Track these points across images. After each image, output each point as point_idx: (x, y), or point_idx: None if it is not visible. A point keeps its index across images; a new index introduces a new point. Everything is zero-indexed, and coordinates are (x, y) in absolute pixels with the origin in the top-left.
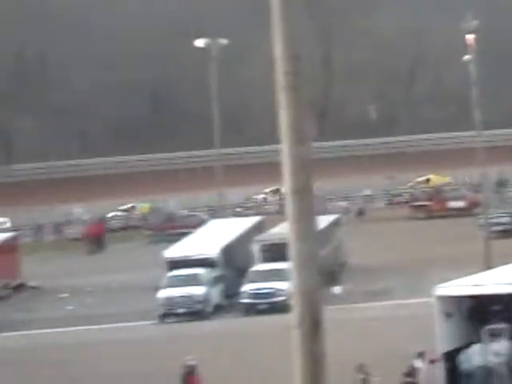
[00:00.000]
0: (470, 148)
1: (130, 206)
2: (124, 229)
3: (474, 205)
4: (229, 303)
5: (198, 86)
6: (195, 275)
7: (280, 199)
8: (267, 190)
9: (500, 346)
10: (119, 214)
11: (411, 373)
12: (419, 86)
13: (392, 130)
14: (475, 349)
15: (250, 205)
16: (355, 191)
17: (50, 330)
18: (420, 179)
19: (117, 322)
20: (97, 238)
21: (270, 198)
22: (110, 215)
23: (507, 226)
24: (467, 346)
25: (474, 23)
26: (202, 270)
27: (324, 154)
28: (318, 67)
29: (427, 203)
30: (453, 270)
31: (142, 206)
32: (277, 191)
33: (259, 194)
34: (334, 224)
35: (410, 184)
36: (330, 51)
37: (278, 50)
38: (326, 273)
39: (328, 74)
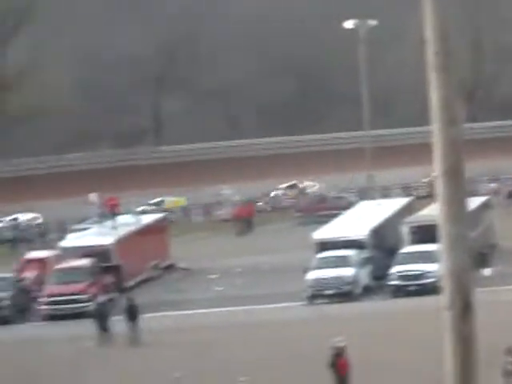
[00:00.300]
0: None
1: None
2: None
3: None
4: (377, 285)
5: (347, 67)
6: (344, 257)
7: (297, 194)
8: (284, 186)
9: None
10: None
11: None
12: None
13: None
14: None
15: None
16: (506, 173)
17: (199, 311)
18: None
19: (266, 304)
20: (246, 219)
21: (289, 193)
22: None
23: None
24: None
25: None
26: (351, 252)
27: (474, 135)
28: (468, 49)
29: None
30: None
31: (175, 201)
32: (293, 186)
33: (276, 189)
34: (485, 206)
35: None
36: (480, 34)
37: (428, 30)
38: (476, 255)
39: (478, 56)
